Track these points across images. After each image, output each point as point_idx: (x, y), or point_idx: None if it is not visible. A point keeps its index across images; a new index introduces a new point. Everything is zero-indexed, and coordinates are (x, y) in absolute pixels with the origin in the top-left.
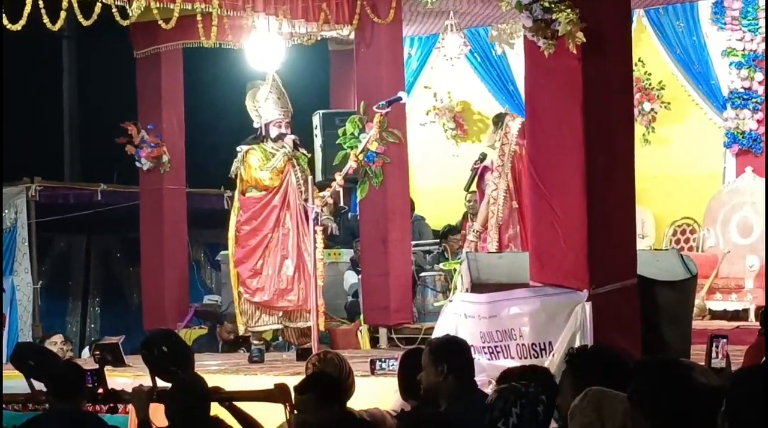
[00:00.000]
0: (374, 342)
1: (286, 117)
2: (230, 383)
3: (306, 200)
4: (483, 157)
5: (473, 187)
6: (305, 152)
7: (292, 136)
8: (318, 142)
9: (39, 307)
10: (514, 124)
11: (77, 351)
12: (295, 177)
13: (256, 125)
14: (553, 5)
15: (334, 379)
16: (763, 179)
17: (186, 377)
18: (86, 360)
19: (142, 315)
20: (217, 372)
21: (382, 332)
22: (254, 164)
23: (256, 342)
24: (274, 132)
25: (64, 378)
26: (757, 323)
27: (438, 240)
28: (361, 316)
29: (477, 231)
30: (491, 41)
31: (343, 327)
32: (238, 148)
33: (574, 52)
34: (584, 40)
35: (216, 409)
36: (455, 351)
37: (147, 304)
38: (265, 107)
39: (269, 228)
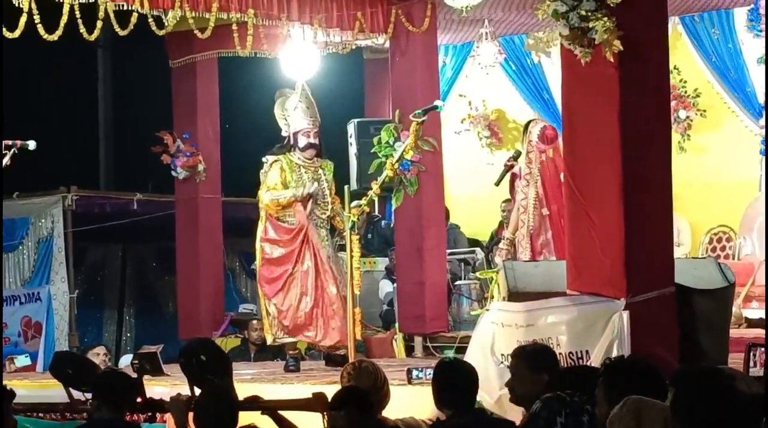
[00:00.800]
0: (409, 350)
1: (315, 126)
2: (268, 392)
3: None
4: (517, 154)
5: (507, 195)
6: (328, 161)
7: (311, 189)
8: (353, 150)
9: (75, 316)
10: (535, 129)
11: (114, 361)
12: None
13: (284, 134)
14: (589, 13)
15: (366, 392)
16: None
17: (215, 384)
18: (123, 369)
19: (177, 324)
20: (253, 381)
21: (418, 341)
22: (270, 183)
23: (291, 351)
24: (302, 141)
25: (113, 386)
26: None
27: (473, 249)
28: (396, 325)
29: (508, 239)
30: (527, 50)
31: (378, 335)
32: (264, 159)
33: (611, 60)
34: (621, 48)
35: (257, 418)
36: (551, 358)
37: (183, 313)
38: (293, 116)
39: (291, 263)
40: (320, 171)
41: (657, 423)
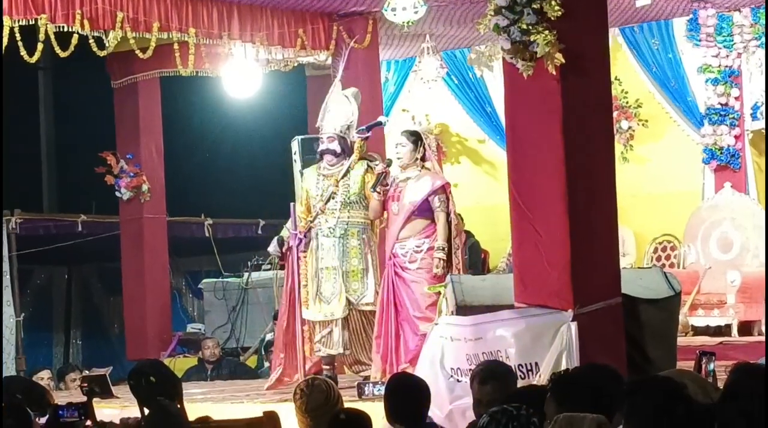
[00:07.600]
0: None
1: (335, 130)
2: (218, 412)
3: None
4: (389, 162)
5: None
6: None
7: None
8: (297, 167)
9: (22, 340)
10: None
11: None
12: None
13: None
14: (530, 27)
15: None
16: (742, 195)
17: (163, 404)
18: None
19: (124, 345)
20: (204, 400)
21: None
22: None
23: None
24: (321, 147)
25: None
26: (740, 338)
27: None
28: None
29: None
30: (470, 64)
31: None
32: None
33: (553, 73)
34: (563, 61)
35: None
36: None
37: (130, 334)
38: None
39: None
40: (341, 176)
41: None
